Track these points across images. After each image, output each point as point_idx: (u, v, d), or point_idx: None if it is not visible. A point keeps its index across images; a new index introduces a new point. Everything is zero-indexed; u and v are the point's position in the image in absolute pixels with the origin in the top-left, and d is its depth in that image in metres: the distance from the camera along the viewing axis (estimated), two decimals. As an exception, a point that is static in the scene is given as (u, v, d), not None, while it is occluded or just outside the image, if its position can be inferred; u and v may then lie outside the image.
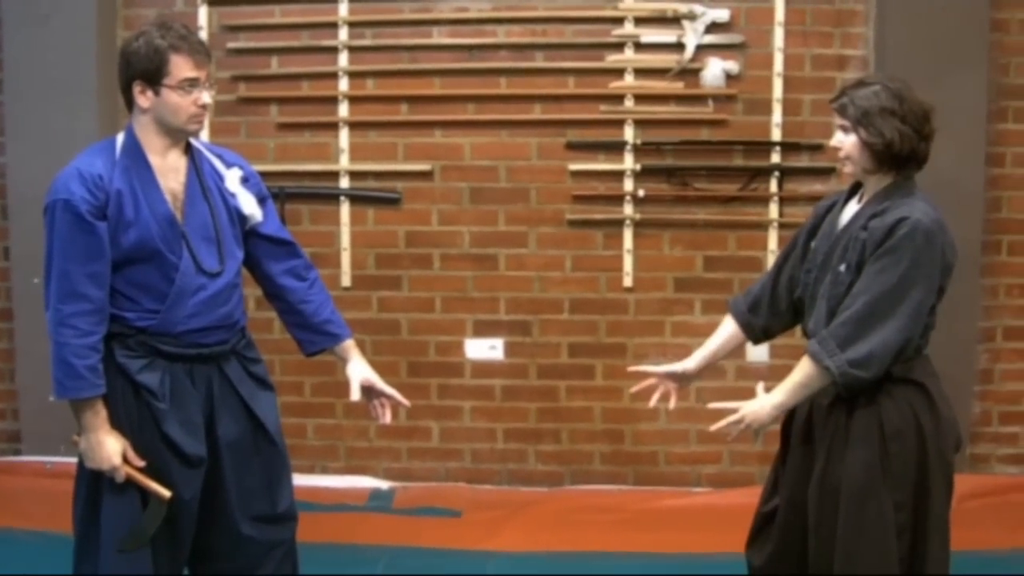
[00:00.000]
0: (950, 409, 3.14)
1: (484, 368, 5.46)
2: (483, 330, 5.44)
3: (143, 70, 3.10)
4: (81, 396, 3.08)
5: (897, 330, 2.97)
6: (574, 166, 5.29)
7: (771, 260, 5.21)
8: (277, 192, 5.31)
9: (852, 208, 3.21)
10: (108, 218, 3.07)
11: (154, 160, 3.16)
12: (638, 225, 5.27)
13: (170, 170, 3.20)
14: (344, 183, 5.42)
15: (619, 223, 5.28)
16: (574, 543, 4.72)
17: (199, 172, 3.26)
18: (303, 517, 3.54)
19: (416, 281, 5.45)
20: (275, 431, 3.44)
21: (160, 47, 3.09)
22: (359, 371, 3.51)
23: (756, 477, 5.28)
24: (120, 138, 3.19)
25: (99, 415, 3.11)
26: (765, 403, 3.14)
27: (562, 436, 5.44)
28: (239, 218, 3.34)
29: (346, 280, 5.46)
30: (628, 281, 5.31)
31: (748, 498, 5.06)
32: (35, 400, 5.40)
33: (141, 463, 3.13)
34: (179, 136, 3.21)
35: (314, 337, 3.55)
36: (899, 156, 3.06)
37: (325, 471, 5.59)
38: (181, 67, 3.10)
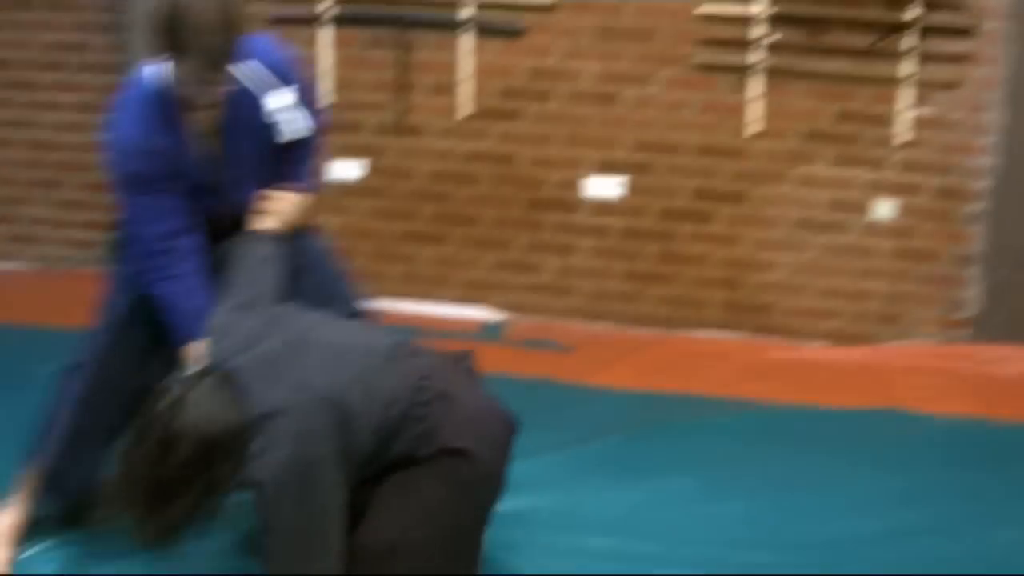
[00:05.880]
0: None
1: (603, 207, 5.65)
2: (604, 168, 5.62)
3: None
4: None
5: None
6: (704, 9, 5.38)
7: (901, 118, 5.31)
8: (398, 18, 5.52)
9: None
10: None
11: None
12: (768, 73, 5.36)
13: None
14: (467, 12, 5.57)
15: (749, 69, 5.37)
16: (682, 386, 4.93)
17: None
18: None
19: (537, 116, 5.63)
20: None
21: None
22: None
23: (877, 336, 5.51)
24: (151, 82, 3.24)
25: None
26: None
27: (679, 280, 5.65)
28: None
29: (465, 110, 5.66)
30: (754, 129, 5.43)
31: (866, 357, 5.32)
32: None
33: None
34: None
35: None
36: None
37: (438, 299, 5.88)
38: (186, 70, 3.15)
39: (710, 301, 5.65)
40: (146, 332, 3.39)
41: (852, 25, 5.29)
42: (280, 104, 3.37)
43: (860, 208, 5.41)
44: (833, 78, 5.34)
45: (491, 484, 3.06)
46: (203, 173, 3.29)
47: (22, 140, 6.34)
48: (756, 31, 5.33)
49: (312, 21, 5.69)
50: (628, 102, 5.53)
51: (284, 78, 3.39)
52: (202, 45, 2.98)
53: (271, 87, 3.35)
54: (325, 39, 5.67)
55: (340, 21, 5.68)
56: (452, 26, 5.59)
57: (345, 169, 5.76)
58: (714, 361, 5.28)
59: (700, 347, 5.47)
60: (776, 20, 5.32)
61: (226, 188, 3.37)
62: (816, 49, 5.33)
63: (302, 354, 2.88)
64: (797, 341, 5.53)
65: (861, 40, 5.28)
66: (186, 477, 2.62)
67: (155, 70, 3.15)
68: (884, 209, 5.38)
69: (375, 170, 5.75)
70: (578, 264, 5.73)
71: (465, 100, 5.65)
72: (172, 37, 2.98)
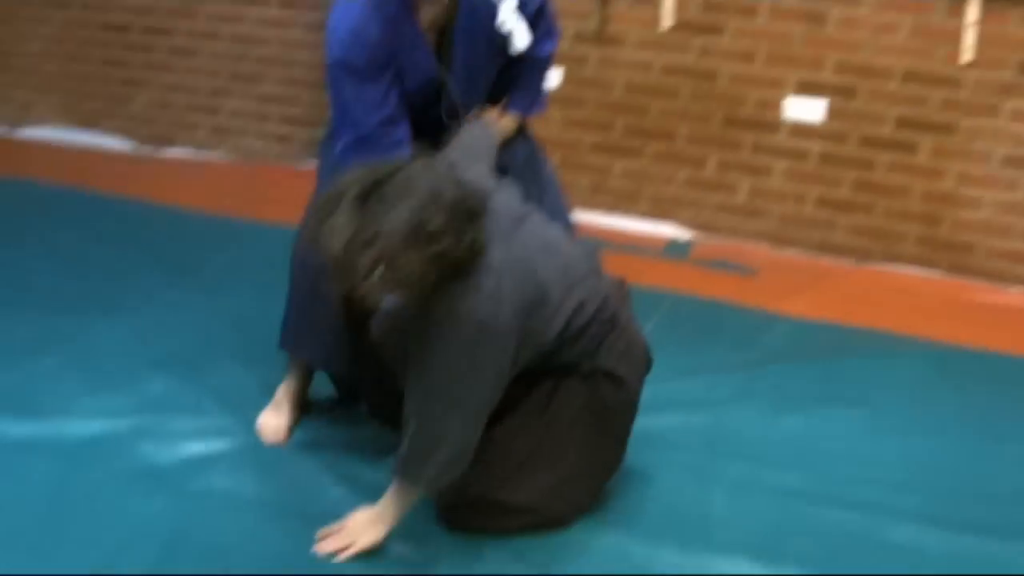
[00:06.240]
0: None
1: (802, 129, 5.47)
2: (806, 90, 5.43)
3: None
4: None
5: None
6: (920, -74, 5.11)
7: None
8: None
9: None
10: None
11: None
12: (986, -3, 5.08)
13: None
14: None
15: (966, -8, 5.10)
16: (866, 320, 4.76)
17: None
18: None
19: (740, 31, 5.46)
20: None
21: None
22: None
23: (1088, 284, 5.22)
24: None
25: None
26: None
27: (876, 211, 5.44)
28: None
29: (666, 22, 5.53)
30: (968, 56, 5.14)
31: (1072, 306, 5.04)
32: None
33: None
34: None
35: None
36: None
37: (627, 213, 5.82)
38: None
39: (906, 235, 5.41)
40: None
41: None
42: (509, 14, 3.39)
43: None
44: (1056, 6, 5.01)
45: (632, 413, 3.15)
46: (428, 71, 3.33)
47: (228, 33, 6.47)
48: (976, -48, 5.05)
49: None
50: (835, 21, 5.30)
51: None
52: None
53: None
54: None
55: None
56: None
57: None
58: (905, 297, 5.09)
59: (891, 281, 5.27)
60: (999, -60, 5.01)
61: (450, 90, 3.39)
62: (1040, -26, 5.00)
63: (515, 228, 2.90)
64: (998, 284, 5.26)
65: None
66: (437, 232, 2.61)
67: None
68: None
69: (571, 79, 5.69)
70: (772, 186, 5.56)
71: (667, 11, 5.51)
72: None
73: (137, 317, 4.35)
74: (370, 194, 2.60)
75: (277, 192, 5.93)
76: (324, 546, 2.91)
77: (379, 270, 2.58)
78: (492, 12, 3.34)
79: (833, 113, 5.41)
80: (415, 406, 2.83)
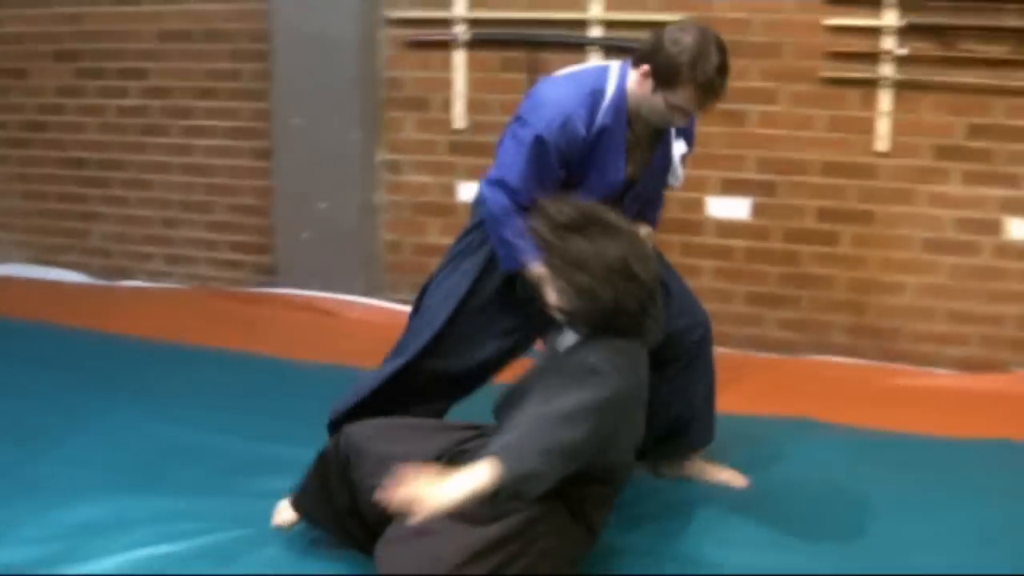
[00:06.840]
0: None
1: (727, 227, 5.55)
2: (728, 189, 5.52)
3: (657, 68, 3.34)
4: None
5: None
6: (831, 21, 5.21)
7: (1042, 130, 5.02)
8: (527, 40, 5.57)
9: None
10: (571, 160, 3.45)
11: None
12: (897, 86, 5.16)
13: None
14: (595, 32, 5.58)
15: (877, 83, 5.18)
16: (801, 410, 4.74)
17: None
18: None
19: (664, 135, 5.54)
20: None
21: (682, 73, 3.30)
22: None
23: (1009, 363, 5.23)
24: (611, 86, 3.45)
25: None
26: None
27: (802, 303, 5.50)
28: None
29: (595, 131, 5.62)
30: (883, 145, 5.23)
31: (997, 384, 5.08)
32: (289, 236, 6.03)
33: None
34: None
35: None
36: None
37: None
38: (684, 98, 3.35)
39: (833, 324, 5.47)
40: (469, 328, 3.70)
41: (987, 34, 5.03)
42: (680, 152, 3.65)
43: (993, 228, 5.15)
44: (966, 90, 5.09)
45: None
46: (615, 179, 3.50)
47: (179, 164, 6.61)
48: (886, 43, 5.14)
49: (447, 44, 5.81)
50: (754, 119, 5.41)
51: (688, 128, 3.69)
52: (704, 83, 3.30)
53: (679, 134, 3.64)
54: (459, 62, 5.77)
55: (473, 44, 5.78)
56: (580, 46, 5.59)
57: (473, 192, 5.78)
58: (835, 386, 5.09)
59: (821, 372, 5.29)
60: (906, 31, 5.10)
61: (622, 202, 3.54)
62: (949, 60, 5.09)
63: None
64: (925, 367, 5.29)
65: (997, 50, 5.02)
66: (635, 275, 2.97)
67: (620, 74, 3.45)
68: (1021, 229, 5.10)
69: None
70: (702, 286, 5.55)
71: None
72: (681, 70, 3.27)
73: (79, 444, 4.34)
74: (589, 225, 2.98)
75: (226, 317, 6.03)
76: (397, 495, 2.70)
77: (578, 275, 2.96)
78: (671, 144, 3.60)
79: (757, 210, 5.49)
80: (537, 418, 2.93)
